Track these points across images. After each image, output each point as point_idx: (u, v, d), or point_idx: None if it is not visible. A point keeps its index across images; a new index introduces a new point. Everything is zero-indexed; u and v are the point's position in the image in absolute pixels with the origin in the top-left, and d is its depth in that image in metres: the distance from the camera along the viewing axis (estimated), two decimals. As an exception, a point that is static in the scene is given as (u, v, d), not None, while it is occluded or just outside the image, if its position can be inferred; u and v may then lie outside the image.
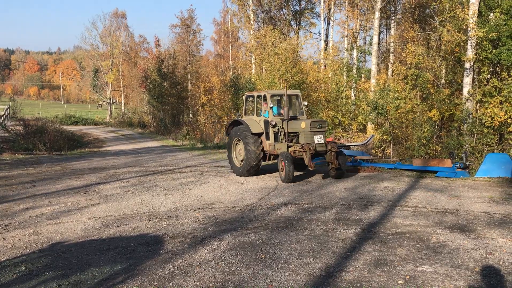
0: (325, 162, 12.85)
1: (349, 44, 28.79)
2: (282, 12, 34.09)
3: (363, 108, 18.98)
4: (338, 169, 12.13)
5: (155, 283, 5.14)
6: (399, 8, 27.95)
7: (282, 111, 12.68)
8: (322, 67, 27.78)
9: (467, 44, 15.44)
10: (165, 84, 35.89)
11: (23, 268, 5.71)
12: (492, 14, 14.95)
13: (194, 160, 17.79)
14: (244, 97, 14.29)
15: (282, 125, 12.61)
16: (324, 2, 29.79)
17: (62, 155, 20.71)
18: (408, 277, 5.21)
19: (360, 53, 29.06)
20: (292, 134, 12.64)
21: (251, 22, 30.63)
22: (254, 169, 12.82)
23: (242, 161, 13.10)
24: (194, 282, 5.17)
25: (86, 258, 6.04)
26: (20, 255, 6.26)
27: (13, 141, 22.69)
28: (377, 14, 21.80)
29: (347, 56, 27.74)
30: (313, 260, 5.82)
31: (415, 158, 14.04)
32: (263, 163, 13.06)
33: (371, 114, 17.85)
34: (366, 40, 31.58)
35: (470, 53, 15.20)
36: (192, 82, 38.85)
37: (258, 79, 24.04)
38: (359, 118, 20.14)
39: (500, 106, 13.93)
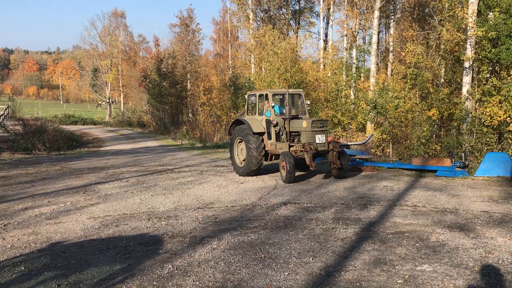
0: (327, 162, 12.77)
1: (348, 44, 28.77)
2: (281, 12, 34.08)
3: (362, 108, 18.98)
4: (340, 169, 12.02)
5: (155, 283, 5.14)
6: (398, 7, 27.94)
7: (284, 110, 12.58)
8: (322, 66, 27.77)
9: (466, 43, 15.44)
10: (164, 83, 35.88)
11: (22, 268, 5.70)
12: (491, 13, 14.94)
13: (193, 159, 17.79)
14: (246, 96, 14.19)
15: (284, 124, 12.48)
16: (323, 1, 29.79)
17: (61, 154, 20.70)
18: (407, 276, 5.21)
19: (360, 53, 29.03)
20: (293, 134, 12.51)
21: (251, 21, 30.61)
22: (255, 169, 12.71)
23: (244, 160, 13.02)
24: (194, 281, 5.17)
25: (85, 258, 6.04)
26: (19, 255, 6.25)
27: (12, 141, 22.67)
28: (376, 13, 21.79)
29: (346, 56, 27.72)
30: (312, 259, 5.82)
31: (414, 158, 14.05)
32: (264, 162, 12.97)
33: (370, 114, 17.85)
34: (365, 40, 31.57)
35: (469, 52, 15.20)
36: (192, 81, 38.85)
37: (258, 79, 24.03)
38: (358, 117, 20.14)
39: (500, 105, 13.93)
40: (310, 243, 6.51)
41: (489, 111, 13.88)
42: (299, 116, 13.14)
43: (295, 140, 12.49)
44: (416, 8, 25.24)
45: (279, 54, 22.28)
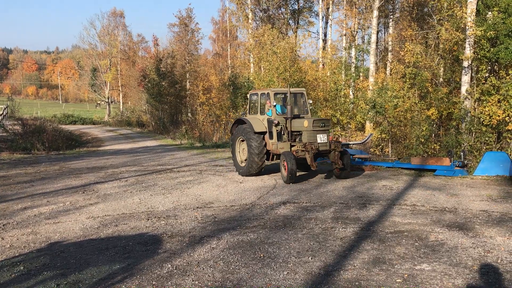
0: (328, 162, 12.61)
1: (347, 43, 28.77)
2: (280, 11, 34.07)
3: (361, 107, 18.98)
4: (342, 169, 11.86)
5: (154, 283, 5.14)
6: (397, 6, 27.94)
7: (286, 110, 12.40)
8: (321, 66, 27.78)
9: (465, 42, 15.44)
10: (163, 83, 35.86)
11: (22, 268, 5.70)
12: (490, 12, 14.95)
13: (192, 159, 17.78)
14: (248, 95, 14.04)
15: (286, 123, 12.33)
16: (322, 1, 29.78)
17: (60, 154, 20.68)
18: (406, 275, 5.21)
19: (359, 52, 29.00)
20: (295, 133, 12.34)
21: (250, 21, 30.61)
22: (257, 169, 12.55)
23: (245, 160, 12.88)
24: (193, 281, 5.17)
25: (84, 258, 6.04)
26: (19, 254, 6.25)
27: (11, 140, 22.64)
28: (375, 12, 21.79)
29: (345, 55, 27.71)
30: (311, 259, 5.83)
31: (413, 157, 14.05)
32: (266, 162, 12.84)
33: (369, 113, 17.85)
34: (364, 39, 31.55)
35: (468, 51, 15.20)
36: (191, 81, 38.84)
37: (257, 78, 24.03)
38: (357, 117, 20.14)
39: (498, 104, 13.94)
40: (309, 242, 6.51)
41: (488, 110, 13.89)
42: (301, 116, 12.98)
43: (297, 140, 12.34)
44: (415, 7, 25.25)
45: (278, 53, 22.28)
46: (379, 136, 17.36)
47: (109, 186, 11.69)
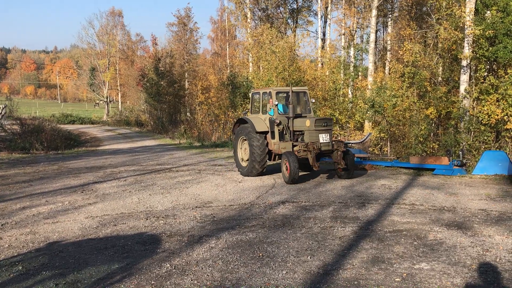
0: (331, 162, 12.28)
1: (346, 42, 28.79)
2: (279, 10, 34.11)
3: (360, 106, 18.98)
4: (345, 169, 11.71)
5: (153, 282, 5.13)
6: (396, 6, 27.97)
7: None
8: (319, 65, 27.79)
9: (464, 42, 15.45)
10: (162, 82, 35.82)
11: (20, 268, 5.70)
12: (488, 11, 14.96)
13: (191, 158, 17.78)
14: (250, 94, 13.84)
15: (288, 123, 12.19)
16: (321, 0, 29.77)
17: (59, 154, 20.66)
18: (405, 274, 5.22)
19: (357, 51, 29.00)
20: (297, 133, 12.15)
21: (248, 20, 30.61)
22: (259, 169, 12.39)
23: (247, 160, 12.70)
24: (192, 280, 5.16)
25: (83, 257, 6.03)
26: (17, 254, 6.24)
27: (10, 140, 22.62)
28: (374, 12, 21.80)
29: (344, 54, 27.72)
30: (310, 258, 5.83)
31: (412, 156, 14.06)
32: (268, 162, 12.69)
33: (368, 112, 17.86)
34: (363, 38, 31.57)
35: (466, 50, 15.21)
36: (189, 80, 38.81)
37: (256, 78, 24.03)
38: (356, 116, 20.14)
39: (497, 103, 13.95)
40: (308, 241, 6.51)
41: (487, 109, 13.90)
42: (303, 115, 12.74)
43: (299, 140, 12.12)
44: (414, 6, 25.28)
45: (277, 53, 22.27)
46: (378, 135, 17.36)
47: (108, 185, 11.68)
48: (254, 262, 5.72)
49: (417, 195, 9.76)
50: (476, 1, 15.12)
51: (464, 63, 15.50)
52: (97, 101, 72.96)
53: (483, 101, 14.43)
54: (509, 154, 13.16)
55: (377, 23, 25.82)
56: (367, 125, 19.89)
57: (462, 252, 5.93)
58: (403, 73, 18.33)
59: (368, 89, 20.89)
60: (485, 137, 13.95)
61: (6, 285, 5.15)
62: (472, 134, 14.54)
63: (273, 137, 12.33)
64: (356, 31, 29.81)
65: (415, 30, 21.45)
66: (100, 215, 8.40)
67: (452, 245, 6.22)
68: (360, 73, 27.28)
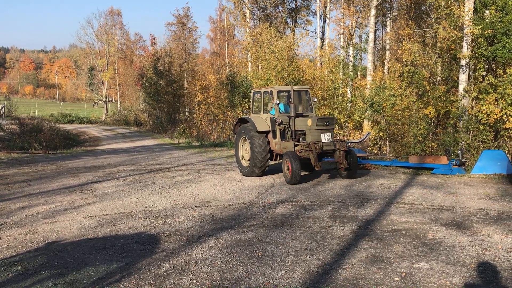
0: (334, 161, 12.15)
1: (345, 42, 28.80)
2: (278, 10, 34.09)
3: (359, 106, 18.98)
4: (347, 169, 11.53)
5: (152, 282, 5.13)
6: (394, 5, 27.98)
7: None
8: (318, 64, 27.78)
9: (463, 41, 15.45)
10: (161, 82, 35.82)
11: (19, 267, 5.69)
12: (487, 11, 14.96)
13: (190, 158, 17.77)
14: (251, 94, 13.74)
15: (289, 122, 12.03)
16: (320, -1, 29.77)
17: (58, 153, 20.64)
18: (404, 274, 5.22)
19: (356, 51, 29.06)
20: (299, 132, 12.01)
21: (247, 20, 30.60)
22: (260, 169, 12.27)
23: (249, 160, 12.56)
24: (191, 280, 5.16)
25: (82, 257, 6.03)
26: (16, 254, 6.23)
27: (9, 140, 22.59)
28: (373, 11, 21.80)
29: (343, 54, 27.72)
30: (309, 257, 5.83)
31: (411, 155, 14.06)
32: (270, 162, 12.57)
33: (367, 112, 17.85)
34: (362, 38, 31.60)
35: (465, 50, 15.22)
36: (188, 80, 38.80)
37: (255, 77, 24.01)
38: (355, 115, 20.14)
39: (496, 103, 13.95)
40: (307, 241, 6.51)
41: (486, 109, 13.90)
42: (304, 114, 12.59)
43: (301, 139, 11.99)
44: (413, 6, 25.29)
45: (276, 52, 22.26)
46: (377, 134, 17.36)
47: (107, 185, 11.67)
48: (253, 261, 5.72)
49: (416, 194, 9.77)
50: (475, 1, 15.13)
51: (463, 62, 15.51)
52: (96, 101, 72.94)
53: (482, 101, 14.44)
54: (508, 153, 13.17)
55: (376, 23, 25.84)
56: (366, 124, 19.90)
57: (461, 252, 5.94)
58: (402, 73, 18.33)
59: (367, 88, 20.90)
60: (484, 137, 13.96)
61: (5, 285, 5.14)
62: (471, 134, 14.55)
63: (274, 136, 12.19)
64: (355, 30, 29.84)
65: (414, 29, 21.44)
66: (99, 215, 8.39)
67: (451, 245, 6.23)
68: (359, 73, 27.30)
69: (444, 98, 16.96)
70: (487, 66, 15.49)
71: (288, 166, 11.17)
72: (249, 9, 30.84)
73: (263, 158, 12.06)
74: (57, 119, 42.60)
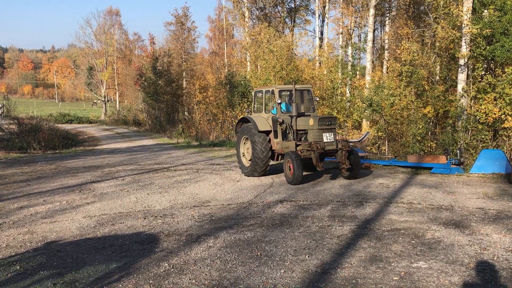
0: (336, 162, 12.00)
1: (344, 41, 28.81)
2: (277, 9, 34.05)
3: (358, 105, 18.99)
4: (349, 169, 11.40)
5: (151, 281, 5.13)
6: (393, 5, 27.99)
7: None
8: (317, 64, 27.78)
9: (461, 40, 15.46)
10: (160, 82, 35.81)
11: (18, 267, 5.69)
12: (486, 10, 14.98)
13: (189, 158, 17.76)
14: (253, 93, 13.62)
15: (291, 122, 11.88)
16: (318, -1, 29.77)
17: (56, 153, 20.63)
18: (403, 273, 5.22)
19: (355, 50, 29.08)
20: (301, 132, 11.86)
21: (246, 19, 30.59)
22: (262, 169, 12.16)
23: (250, 160, 12.48)
24: (190, 280, 5.16)
25: (81, 257, 6.03)
26: (15, 254, 6.23)
27: (7, 139, 22.57)
28: (372, 11, 21.81)
29: (342, 53, 27.74)
30: (308, 257, 5.83)
31: (410, 155, 14.08)
32: (271, 162, 12.48)
33: (366, 111, 17.87)
34: (361, 37, 31.62)
35: (464, 49, 15.23)
36: (187, 79, 38.79)
37: (253, 77, 24.01)
38: (354, 115, 20.15)
39: (494, 102, 13.97)
40: (306, 240, 6.51)
41: (484, 108, 13.92)
42: (306, 113, 12.47)
43: (302, 139, 11.85)
44: (411, 5, 25.29)
45: (275, 52, 22.26)
46: (376, 134, 17.38)
47: (106, 185, 11.66)
48: (252, 261, 5.72)
49: (415, 193, 9.78)
50: (473, 0, 15.14)
51: (461, 62, 15.52)
52: (95, 101, 72.87)
53: (480, 100, 14.45)
54: (506, 152, 13.19)
55: (374, 22, 25.83)
56: (365, 124, 19.91)
57: (460, 251, 5.95)
58: (400, 72, 18.34)
59: (366, 88, 20.90)
60: (483, 136, 13.97)
61: (4, 284, 5.14)
62: (469, 133, 14.56)
63: (276, 136, 12.10)
64: (353, 30, 29.82)
65: (413, 29, 21.45)
66: (98, 215, 8.39)
67: (450, 244, 6.23)
68: (358, 72, 27.31)
69: (442, 98, 16.96)
70: (485, 65, 15.50)
71: (289, 166, 11.09)
72: (248, 8, 30.83)
73: (264, 156, 11.97)
74: (56, 119, 42.59)
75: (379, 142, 17.67)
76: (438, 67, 19.12)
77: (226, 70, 35.39)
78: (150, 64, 37.03)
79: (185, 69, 39.25)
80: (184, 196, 10.03)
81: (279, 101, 12.03)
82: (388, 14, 28.06)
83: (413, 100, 17.28)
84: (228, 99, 26.68)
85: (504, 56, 13.82)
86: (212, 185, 11.40)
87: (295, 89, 12.03)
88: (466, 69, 15.56)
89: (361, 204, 8.81)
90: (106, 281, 5.16)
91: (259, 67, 25.61)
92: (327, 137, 11.28)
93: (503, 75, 13.94)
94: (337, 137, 11.96)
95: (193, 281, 5.12)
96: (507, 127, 13.51)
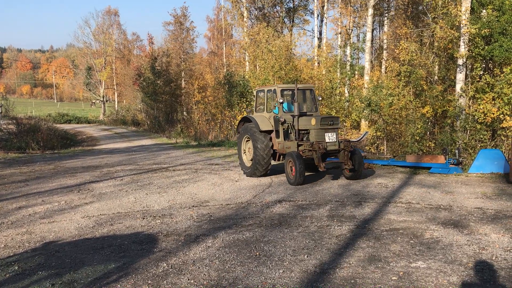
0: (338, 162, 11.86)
1: (342, 41, 28.82)
2: (275, 9, 34.07)
3: (356, 105, 19.00)
4: (352, 170, 11.29)
5: (149, 282, 5.12)
6: (392, 5, 28.01)
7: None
8: (316, 64, 27.79)
9: (460, 40, 15.48)
10: (158, 81, 35.81)
11: (16, 268, 5.67)
12: (484, 10, 15.01)
13: (188, 157, 17.76)
14: (254, 92, 13.51)
15: (293, 122, 11.71)
16: (317, -1, 29.78)
17: (55, 153, 20.60)
18: (402, 273, 5.23)
19: (354, 50, 29.10)
20: (303, 132, 11.73)
21: (245, 19, 30.58)
22: (263, 169, 12.04)
23: (251, 160, 12.41)
24: (188, 280, 5.16)
25: (79, 257, 6.02)
26: (13, 254, 6.22)
27: (6, 140, 22.54)
28: (370, 11, 21.82)
29: (340, 53, 27.76)
30: (307, 257, 5.83)
31: (408, 155, 14.09)
32: (273, 162, 12.40)
33: (364, 111, 17.88)
34: (359, 37, 31.65)
35: (462, 49, 15.25)
36: (186, 79, 38.80)
37: (252, 77, 24.02)
38: (352, 115, 20.16)
39: (493, 102, 13.99)
40: (305, 240, 6.51)
41: (483, 108, 13.94)
42: (308, 113, 12.37)
43: (304, 139, 11.73)
44: (410, 5, 25.30)
45: (274, 52, 22.27)
46: (374, 134, 17.39)
47: (105, 185, 11.65)
48: (251, 261, 5.72)
49: (414, 193, 9.78)
50: (472, 0, 15.16)
51: (460, 61, 15.54)
52: (94, 101, 72.75)
53: (479, 100, 14.48)
54: (504, 152, 13.21)
55: (373, 22, 25.87)
56: (364, 124, 19.92)
57: (459, 251, 5.95)
58: (399, 72, 18.35)
59: (364, 88, 20.91)
60: (481, 136, 14.00)
61: (2, 285, 5.13)
62: (468, 133, 14.58)
63: (277, 136, 12.00)
64: (352, 30, 29.84)
65: (411, 29, 21.47)
66: (97, 215, 8.38)
67: (449, 244, 6.24)
68: (356, 72, 27.31)
69: (441, 98, 16.99)
70: (484, 65, 15.53)
71: (291, 166, 10.99)
72: (246, 8, 30.83)
73: (266, 155, 11.88)
74: (54, 119, 42.54)
75: (377, 142, 17.68)
76: (437, 67, 19.14)
77: (225, 70, 35.41)
78: (149, 64, 37.03)
79: (184, 69, 39.26)
80: (183, 196, 10.03)
81: (281, 100, 11.88)
82: (386, 14, 28.08)
83: (412, 100, 17.30)
84: (226, 99, 26.69)
85: (502, 56, 13.84)
86: (210, 185, 11.39)
87: (297, 89, 11.89)
88: (464, 69, 15.58)
89: (360, 204, 8.81)
90: (105, 281, 5.15)
91: (257, 67, 25.63)
92: (329, 137, 11.15)
93: (502, 75, 13.96)
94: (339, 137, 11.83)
95: (192, 281, 5.12)
96: (506, 126, 13.53)
